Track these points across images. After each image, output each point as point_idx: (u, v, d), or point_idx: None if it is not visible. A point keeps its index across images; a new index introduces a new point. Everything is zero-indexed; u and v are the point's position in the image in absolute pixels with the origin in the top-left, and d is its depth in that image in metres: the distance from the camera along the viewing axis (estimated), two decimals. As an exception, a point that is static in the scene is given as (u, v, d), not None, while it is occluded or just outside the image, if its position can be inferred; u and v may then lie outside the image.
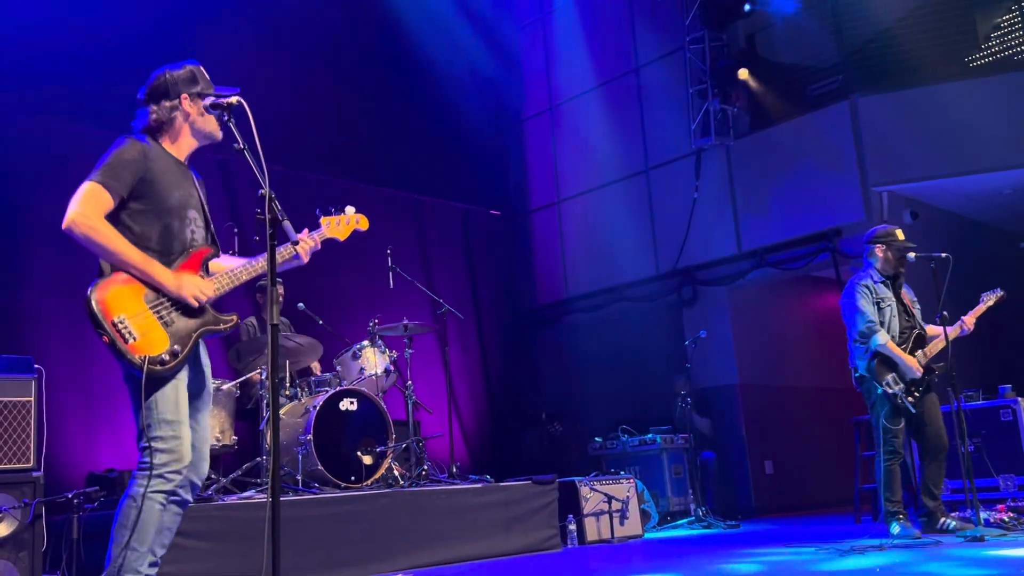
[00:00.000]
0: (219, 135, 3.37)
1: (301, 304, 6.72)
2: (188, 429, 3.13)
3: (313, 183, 8.41)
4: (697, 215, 9.47)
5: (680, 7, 9.64)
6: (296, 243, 3.15)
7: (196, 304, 3.14)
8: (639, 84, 10.32)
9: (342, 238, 3.68)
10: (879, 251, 5.59)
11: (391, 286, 6.84)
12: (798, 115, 8.89)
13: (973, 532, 4.93)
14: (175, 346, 3.07)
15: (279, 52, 8.43)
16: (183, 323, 3.13)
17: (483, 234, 10.67)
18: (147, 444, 3.04)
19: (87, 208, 3.03)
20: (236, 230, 6.46)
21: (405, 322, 6.58)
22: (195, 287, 3.15)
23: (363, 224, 3.79)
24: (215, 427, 5.70)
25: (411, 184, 9.73)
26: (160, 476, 3.03)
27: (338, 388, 5.98)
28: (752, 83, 9.10)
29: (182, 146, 3.34)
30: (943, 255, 5.34)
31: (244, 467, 5.69)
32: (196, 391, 3.27)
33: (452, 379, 8.95)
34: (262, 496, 5.06)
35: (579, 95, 10.94)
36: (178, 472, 3.08)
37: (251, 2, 8.22)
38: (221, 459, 6.02)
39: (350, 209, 3.74)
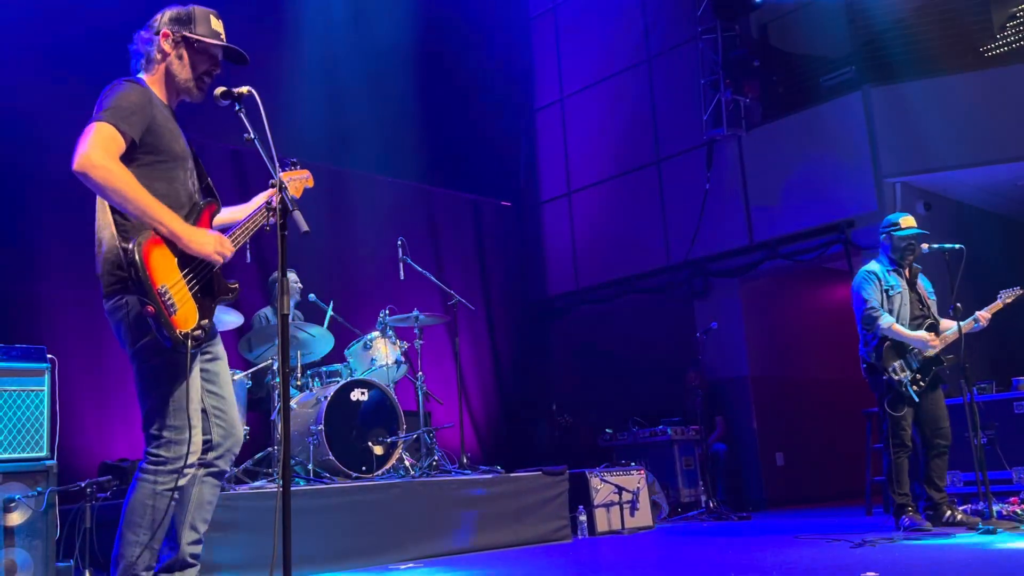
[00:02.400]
0: (195, 92, 3.06)
1: (312, 295, 6.73)
2: (200, 417, 2.96)
3: (324, 173, 8.40)
4: (708, 206, 9.43)
5: (692, -3, 9.60)
6: (307, 232, 2.82)
7: (220, 261, 2.91)
8: (650, 74, 10.27)
9: (297, 196, 3.37)
10: (885, 240, 5.62)
11: (402, 277, 6.84)
12: (811, 106, 8.84)
13: (986, 525, 4.91)
14: (203, 320, 2.86)
15: (288, 41, 8.43)
16: (206, 294, 2.92)
17: (494, 225, 10.67)
18: (159, 434, 2.86)
19: (103, 149, 2.71)
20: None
21: (416, 313, 6.59)
22: (220, 244, 2.91)
23: (310, 182, 3.47)
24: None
25: (422, 175, 9.73)
26: (176, 472, 2.85)
27: (349, 379, 5.99)
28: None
29: (168, 90, 3.05)
30: (957, 246, 5.31)
31: (255, 457, 5.71)
32: (214, 356, 3.12)
33: (463, 370, 8.96)
34: (273, 486, 5.08)
35: (590, 86, 10.90)
36: (193, 465, 2.91)
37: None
38: (233, 449, 6.03)
39: (296, 162, 3.44)
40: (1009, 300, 5.61)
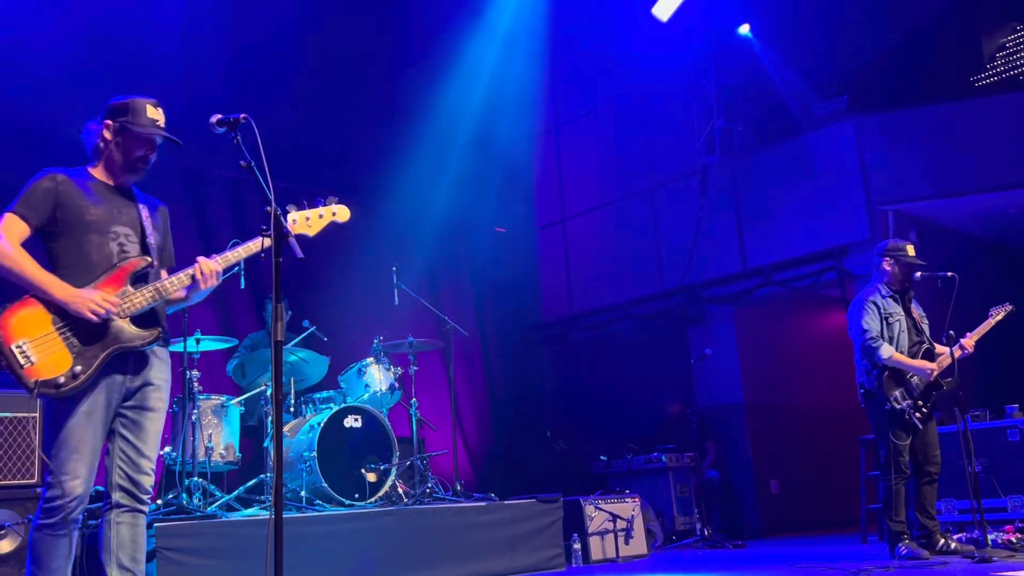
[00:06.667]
0: (136, 175, 3.36)
1: (306, 322, 6.72)
2: (86, 466, 3.06)
3: (320, 199, 8.42)
4: (702, 233, 9.46)
5: (687, 25, 9.68)
6: (301, 258, 2.88)
7: (95, 319, 3.06)
8: (645, 102, 10.34)
9: (311, 234, 3.54)
10: (887, 264, 5.56)
11: (396, 303, 6.83)
12: (803, 134, 8.91)
13: (981, 553, 4.89)
14: (76, 367, 3.02)
15: (287, 66, 8.46)
16: (92, 343, 3.08)
17: (489, 251, 10.67)
18: (49, 474, 3.05)
19: (4, 233, 3.11)
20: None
21: (410, 339, 6.58)
22: (91, 300, 3.07)
23: (342, 215, 3.67)
24: (219, 444, 5.69)
25: (416, 201, 9.74)
26: (52, 511, 3.02)
27: (342, 405, 5.97)
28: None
29: (112, 171, 3.35)
30: (949, 274, 5.32)
31: (248, 484, 5.68)
32: (140, 406, 3.23)
33: (457, 396, 8.92)
34: (265, 513, 5.04)
35: (586, 113, 10.97)
36: (62, 509, 3.02)
37: (255, 23, 8.25)
38: (225, 476, 6.01)
39: (332, 200, 3.63)
40: (1000, 317, 5.61)
